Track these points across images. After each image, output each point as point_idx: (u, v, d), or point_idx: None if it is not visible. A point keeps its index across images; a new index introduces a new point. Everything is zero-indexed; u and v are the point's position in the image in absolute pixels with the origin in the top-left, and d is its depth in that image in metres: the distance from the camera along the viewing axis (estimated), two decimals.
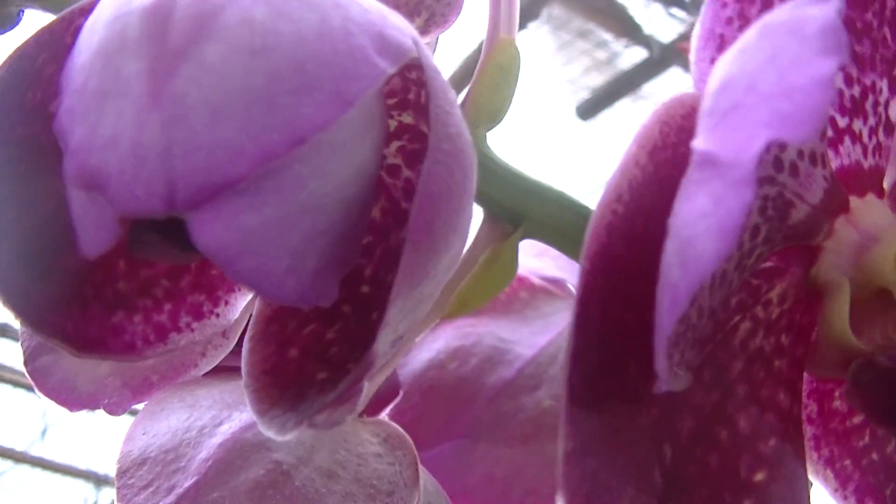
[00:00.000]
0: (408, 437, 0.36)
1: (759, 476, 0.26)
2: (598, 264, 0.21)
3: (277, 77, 0.19)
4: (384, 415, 0.42)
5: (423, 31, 0.39)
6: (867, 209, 0.26)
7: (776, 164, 0.24)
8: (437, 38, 0.44)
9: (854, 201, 0.26)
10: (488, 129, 0.36)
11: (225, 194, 0.19)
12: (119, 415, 0.38)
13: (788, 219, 0.25)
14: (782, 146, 0.22)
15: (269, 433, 0.23)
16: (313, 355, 0.25)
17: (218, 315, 0.28)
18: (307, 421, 0.22)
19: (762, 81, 0.19)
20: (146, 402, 0.36)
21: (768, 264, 0.26)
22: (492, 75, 0.36)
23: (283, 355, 0.25)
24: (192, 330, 0.27)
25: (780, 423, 0.26)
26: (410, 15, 0.38)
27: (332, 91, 0.19)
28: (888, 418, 0.24)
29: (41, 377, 0.37)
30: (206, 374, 0.39)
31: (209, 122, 0.19)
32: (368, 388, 0.21)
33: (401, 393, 0.43)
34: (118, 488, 0.32)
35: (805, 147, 0.24)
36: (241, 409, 0.34)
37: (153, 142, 0.19)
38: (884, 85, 0.26)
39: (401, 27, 0.22)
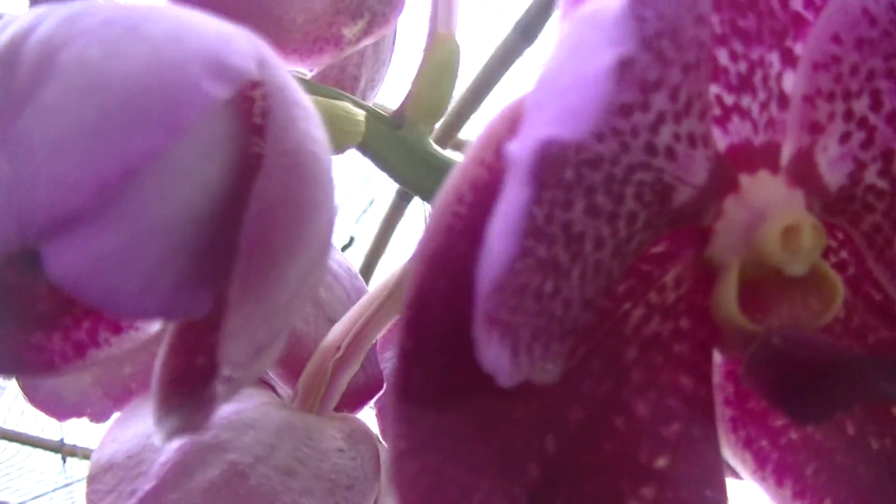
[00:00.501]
0: (371, 431, 0.37)
1: (661, 462, 0.26)
2: (438, 265, 0.21)
3: (108, 112, 0.20)
4: (368, 408, 0.43)
5: (367, 31, 0.39)
6: (758, 187, 0.26)
7: (648, 148, 0.24)
8: (395, 33, 0.45)
9: (744, 179, 0.26)
10: (429, 126, 0.36)
11: (69, 225, 0.20)
12: (103, 422, 0.40)
13: (671, 203, 0.25)
14: (635, 132, 0.22)
15: (159, 440, 0.24)
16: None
17: (137, 328, 0.29)
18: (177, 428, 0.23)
19: (562, 75, 0.19)
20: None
21: (659, 249, 0.26)
22: (431, 72, 0.37)
23: (191, 363, 0.26)
24: (111, 344, 0.28)
25: (683, 408, 0.26)
26: (353, 17, 0.39)
27: (160, 121, 0.20)
28: (780, 400, 0.24)
29: (31, 391, 0.40)
30: None
31: (50, 159, 0.20)
32: (225, 396, 0.22)
33: (384, 387, 0.43)
34: (87, 493, 0.34)
35: (681, 129, 0.24)
36: None
37: (3, 180, 0.20)
38: (774, 58, 0.26)
39: (244, 51, 0.22)
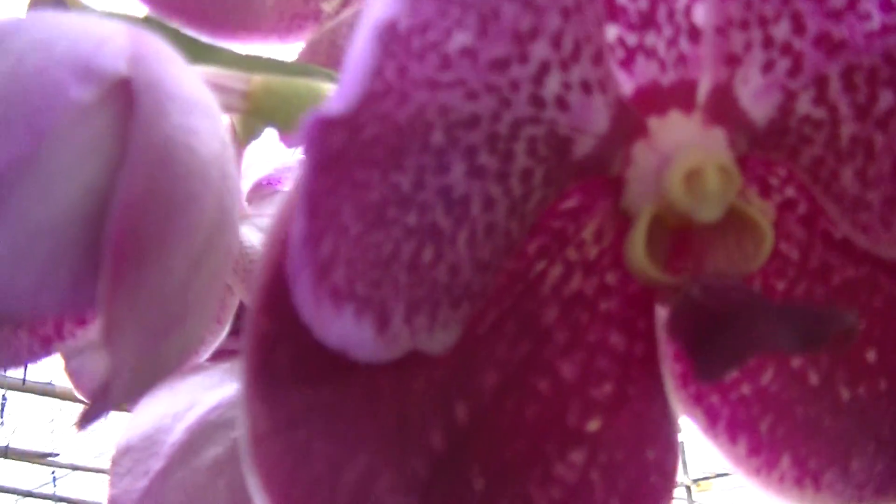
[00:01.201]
0: None
1: (593, 424, 0.25)
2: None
3: None
4: None
5: (346, 2, 0.39)
6: (668, 129, 0.24)
7: (534, 101, 0.23)
8: None
9: (653, 122, 0.24)
10: None
11: None
12: (133, 408, 0.42)
13: (571, 155, 0.24)
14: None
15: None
16: None
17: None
18: None
19: (351, 51, 0.19)
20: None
21: (570, 203, 0.25)
22: None
23: None
24: (75, 336, 0.30)
25: (617, 367, 0.26)
26: None
27: (26, 128, 0.21)
28: (692, 353, 0.23)
29: (76, 377, 0.43)
30: (207, 359, 0.42)
31: None
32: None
33: None
34: (111, 475, 0.36)
35: (571, 77, 0.23)
36: (212, 392, 0.37)
37: None
38: None
39: (116, 51, 0.23)
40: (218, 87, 0.32)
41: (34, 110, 0.21)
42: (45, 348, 0.29)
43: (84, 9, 0.34)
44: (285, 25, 0.38)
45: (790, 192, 0.26)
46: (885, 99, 0.25)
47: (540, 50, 0.22)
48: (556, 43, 0.22)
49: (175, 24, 0.35)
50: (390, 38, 0.18)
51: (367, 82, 0.17)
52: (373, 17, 0.18)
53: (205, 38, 0.36)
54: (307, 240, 0.18)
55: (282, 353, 0.21)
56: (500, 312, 0.25)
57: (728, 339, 0.21)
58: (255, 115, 0.33)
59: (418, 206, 0.22)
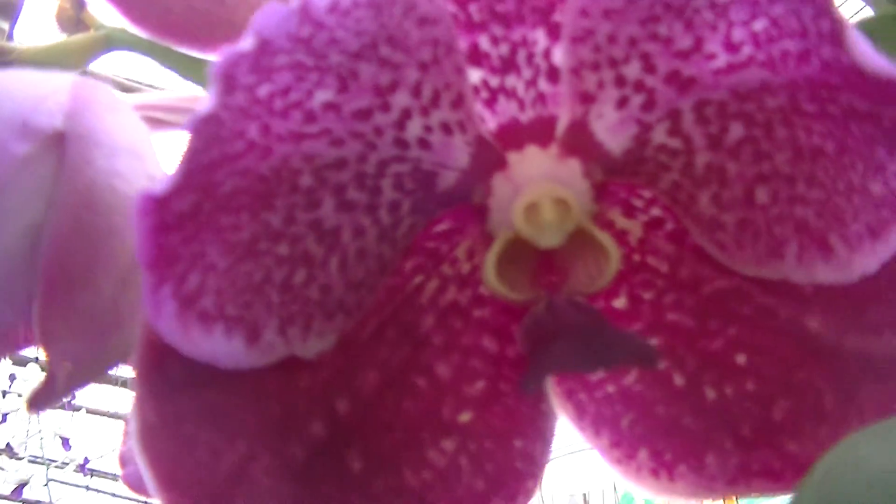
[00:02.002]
0: None
1: (464, 417, 0.29)
2: None
3: None
4: None
5: None
6: (523, 162, 0.28)
7: (398, 143, 0.27)
8: None
9: (512, 156, 0.28)
10: None
11: None
12: None
13: (435, 187, 0.28)
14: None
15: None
16: None
17: None
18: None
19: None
20: None
21: (443, 227, 0.29)
22: None
23: None
24: None
25: (489, 367, 0.29)
26: None
27: None
28: (529, 362, 0.26)
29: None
30: None
31: None
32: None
33: None
34: (123, 436, 0.43)
35: (432, 121, 0.27)
36: None
37: None
38: (539, 35, 0.27)
39: (52, 109, 0.28)
40: (185, 110, 0.37)
41: None
42: (20, 347, 0.35)
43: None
44: None
45: (656, 211, 0.29)
46: (735, 130, 0.27)
47: (400, 99, 0.26)
48: (416, 92, 0.26)
49: (166, 42, 0.40)
50: (216, 126, 0.22)
51: (184, 175, 0.22)
52: (194, 115, 0.22)
53: (194, 54, 0.41)
54: (152, 289, 0.23)
55: (171, 360, 0.26)
56: (381, 320, 0.29)
57: (541, 358, 0.25)
58: None
59: (290, 237, 0.26)
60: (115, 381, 2.90)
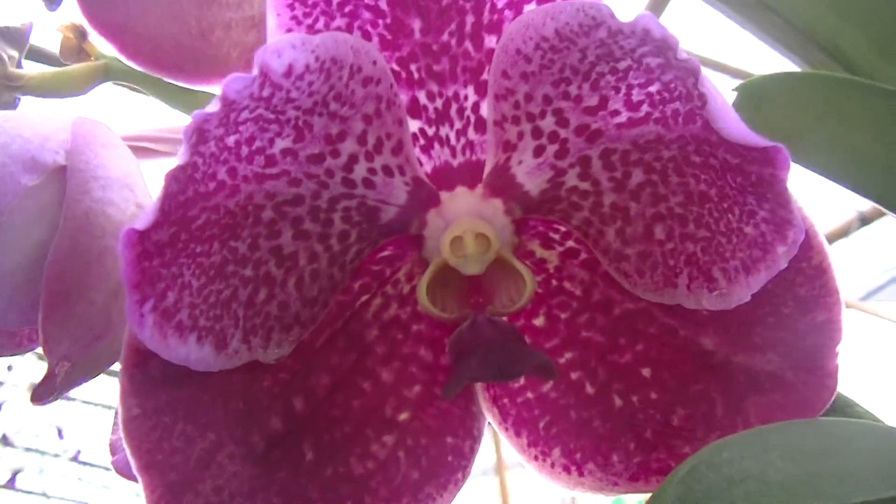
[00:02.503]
0: None
1: (403, 415, 0.34)
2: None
3: None
4: None
5: None
6: (453, 200, 0.33)
7: (346, 183, 0.32)
8: None
9: (444, 195, 0.33)
10: None
11: None
12: None
13: (378, 220, 0.33)
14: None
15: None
16: None
17: None
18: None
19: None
20: None
21: (386, 252, 0.34)
22: None
23: None
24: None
25: (425, 373, 0.34)
26: None
27: None
28: (453, 371, 0.31)
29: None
30: None
31: None
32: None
33: None
34: (113, 424, 0.48)
35: (376, 164, 0.32)
36: None
37: None
38: (469, 91, 0.32)
39: (55, 146, 0.33)
40: (174, 141, 0.42)
41: None
42: (25, 348, 0.40)
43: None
44: (250, 68, 0.47)
45: (571, 243, 0.34)
46: (636, 176, 0.32)
47: (348, 146, 0.31)
48: (362, 141, 0.31)
49: (157, 74, 0.45)
50: (191, 170, 0.27)
51: (159, 213, 0.26)
52: (172, 165, 0.27)
53: (181, 85, 0.46)
54: (135, 305, 0.28)
55: (153, 362, 0.31)
56: (333, 331, 0.34)
57: (460, 368, 0.30)
58: None
59: (254, 262, 0.31)
60: (110, 373, 2.94)
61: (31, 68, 0.48)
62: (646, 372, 0.35)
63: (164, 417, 0.31)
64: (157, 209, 0.26)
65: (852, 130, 0.37)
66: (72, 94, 0.48)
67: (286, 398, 0.33)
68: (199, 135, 0.27)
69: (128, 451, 0.30)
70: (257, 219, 0.31)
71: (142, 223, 0.26)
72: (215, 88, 0.47)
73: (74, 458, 3.20)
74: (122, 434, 0.30)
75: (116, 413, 0.48)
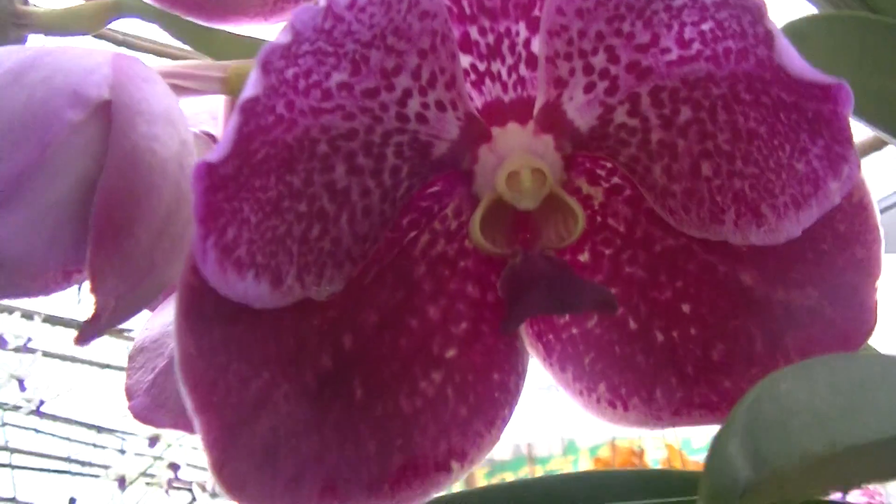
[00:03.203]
0: None
1: (450, 352, 0.35)
2: None
3: (1, 138, 0.31)
4: None
5: None
6: (505, 137, 0.33)
7: (400, 117, 0.32)
8: None
9: (496, 131, 0.33)
10: None
11: None
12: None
13: (430, 155, 0.33)
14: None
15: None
16: None
17: None
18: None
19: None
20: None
21: (435, 188, 0.34)
22: None
23: None
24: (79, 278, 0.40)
25: (472, 310, 0.35)
26: None
27: (35, 140, 0.31)
28: (508, 308, 0.32)
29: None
30: None
31: None
32: None
33: None
34: (128, 369, 0.47)
35: (429, 99, 0.32)
36: None
37: None
38: (521, 27, 0.32)
39: (100, 80, 0.33)
40: (199, 77, 0.41)
41: (40, 128, 0.31)
42: (67, 280, 0.40)
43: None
44: (269, 9, 0.47)
45: (616, 179, 0.35)
46: (684, 113, 0.33)
47: (403, 81, 0.31)
48: (416, 75, 0.31)
49: (175, 11, 0.44)
50: (254, 103, 0.27)
51: (233, 144, 0.26)
52: (240, 97, 0.26)
53: (201, 23, 0.45)
54: (201, 239, 0.27)
55: (206, 300, 0.30)
56: (381, 268, 0.34)
57: (517, 304, 0.30)
58: (234, 95, 0.42)
59: (308, 197, 0.31)
60: (69, 324, 2.92)
61: (39, 4, 0.47)
62: (686, 308, 0.36)
63: (218, 357, 0.31)
64: (232, 141, 0.26)
65: (887, 75, 0.37)
66: (82, 32, 0.47)
67: (336, 336, 0.34)
68: (264, 67, 0.27)
69: (183, 391, 0.30)
70: (312, 153, 0.31)
71: (215, 156, 0.26)
72: (234, 27, 0.47)
73: (36, 411, 3.17)
74: (177, 373, 0.30)
75: (132, 356, 0.48)
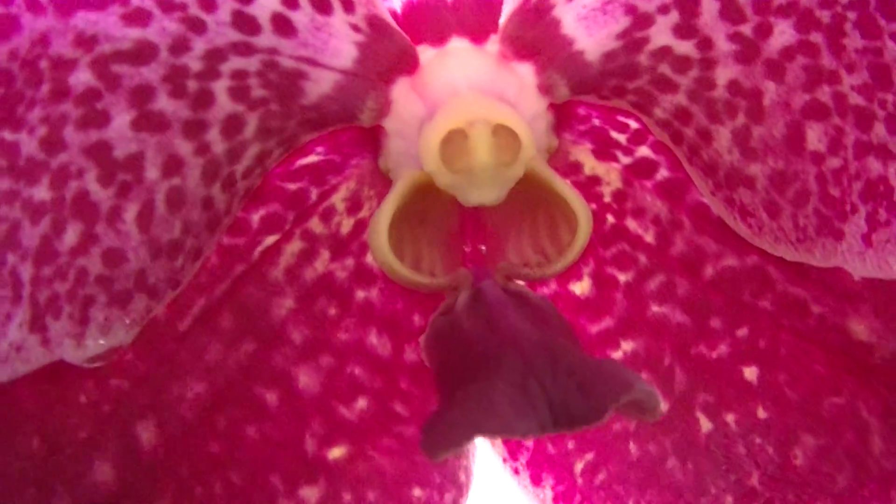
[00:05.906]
0: None
1: (337, 451, 0.22)
2: None
3: None
4: None
5: None
6: (444, 63, 0.18)
7: (240, 20, 0.17)
8: None
9: (426, 53, 0.18)
10: None
11: None
12: None
13: (301, 96, 0.18)
14: None
15: None
16: None
17: None
18: None
19: None
20: None
21: (311, 159, 0.19)
22: None
23: None
24: None
25: (377, 376, 0.22)
26: None
27: None
28: (442, 401, 0.17)
29: None
30: None
31: None
32: None
33: None
34: None
35: None
36: None
37: None
38: None
39: None
40: None
41: None
42: None
43: None
44: None
45: (644, 151, 0.20)
46: (782, 33, 0.18)
47: None
48: None
49: None
50: None
51: None
52: None
53: None
54: None
55: None
56: (211, 303, 0.19)
57: (462, 402, 0.15)
58: None
59: (54, 172, 0.16)
60: None
61: None
62: (749, 374, 0.22)
63: None
64: None
65: None
66: None
67: (123, 427, 0.19)
68: None
69: None
70: (61, 88, 0.16)
71: None
72: None
73: None
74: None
75: None
